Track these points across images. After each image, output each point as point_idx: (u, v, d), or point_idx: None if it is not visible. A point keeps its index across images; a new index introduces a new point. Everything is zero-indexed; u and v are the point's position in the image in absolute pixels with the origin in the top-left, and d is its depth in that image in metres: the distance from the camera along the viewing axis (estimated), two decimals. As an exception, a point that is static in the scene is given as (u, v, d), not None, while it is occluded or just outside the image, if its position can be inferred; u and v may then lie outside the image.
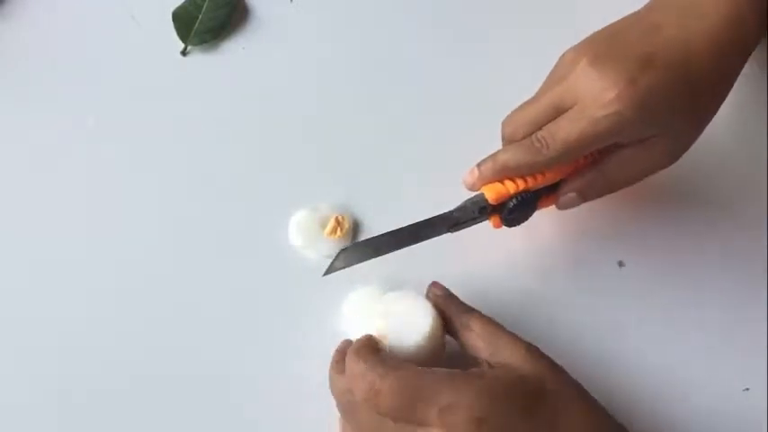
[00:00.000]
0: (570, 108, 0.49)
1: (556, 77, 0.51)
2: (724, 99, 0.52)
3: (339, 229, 0.56)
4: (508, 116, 0.52)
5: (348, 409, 0.46)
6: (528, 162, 0.50)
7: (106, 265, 0.56)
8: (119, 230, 0.57)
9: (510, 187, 0.51)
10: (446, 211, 0.52)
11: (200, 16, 0.62)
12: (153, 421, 0.52)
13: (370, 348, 0.46)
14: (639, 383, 0.54)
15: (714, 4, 0.51)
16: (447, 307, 0.50)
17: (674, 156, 0.53)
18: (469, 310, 0.49)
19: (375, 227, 0.57)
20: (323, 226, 0.56)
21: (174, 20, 0.62)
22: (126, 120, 0.59)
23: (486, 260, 0.56)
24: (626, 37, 0.51)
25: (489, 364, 0.46)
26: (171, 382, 0.53)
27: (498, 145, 0.53)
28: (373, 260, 0.51)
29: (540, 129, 0.50)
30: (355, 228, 0.57)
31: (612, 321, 0.56)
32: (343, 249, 0.51)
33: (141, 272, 0.56)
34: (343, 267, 0.51)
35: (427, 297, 0.50)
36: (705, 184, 0.59)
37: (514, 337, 0.47)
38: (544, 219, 0.56)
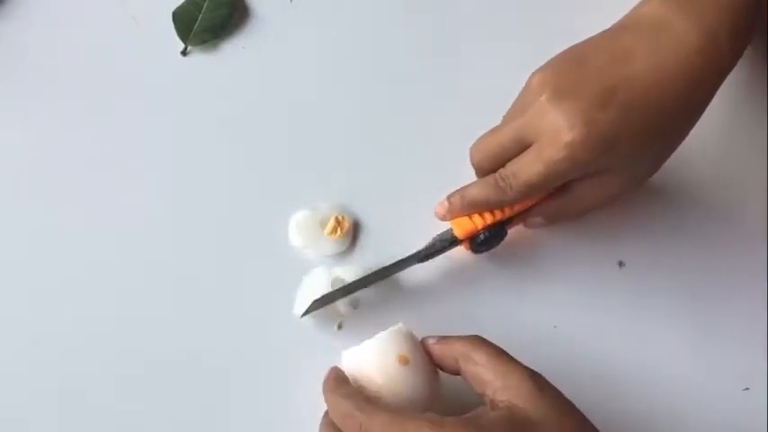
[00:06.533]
0: (531, 143, 0.50)
1: (519, 105, 0.52)
2: (693, 125, 0.51)
3: (339, 228, 0.56)
4: (476, 143, 0.53)
5: None
6: (493, 199, 0.51)
7: (106, 264, 0.56)
8: (118, 230, 0.57)
9: (477, 222, 0.52)
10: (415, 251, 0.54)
11: (200, 16, 0.62)
12: (152, 419, 0.53)
13: (345, 382, 0.46)
14: (639, 383, 0.54)
15: (688, 28, 0.49)
16: (444, 346, 0.47)
17: (635, 183, 0.53)
18: (471, 340, 0.46)
19: (375, 227, 0.57)
20: (323, 226, 0.56)
21: (174, 20, 0.62)
22: (126, 120, 0.59)
23: (487, 262, 0.56)
24: (593, 62, 0.50)
25: (493, 402, 0.43)
26: (170, 381, 0.53)
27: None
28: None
29: (503, 162, 0.51)
30: (355, 228, 0.57)
31: (612, 321, 0.56)
32: (315, 300, 0.53)
33: (141, 272, 0.56)
34: (318, 309, 0.53)
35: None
36: (705, 183, 0.59)
37: (521, 368, 0.44)
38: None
